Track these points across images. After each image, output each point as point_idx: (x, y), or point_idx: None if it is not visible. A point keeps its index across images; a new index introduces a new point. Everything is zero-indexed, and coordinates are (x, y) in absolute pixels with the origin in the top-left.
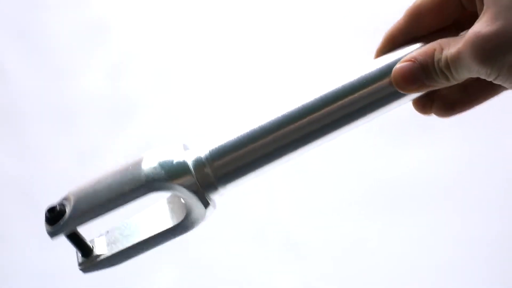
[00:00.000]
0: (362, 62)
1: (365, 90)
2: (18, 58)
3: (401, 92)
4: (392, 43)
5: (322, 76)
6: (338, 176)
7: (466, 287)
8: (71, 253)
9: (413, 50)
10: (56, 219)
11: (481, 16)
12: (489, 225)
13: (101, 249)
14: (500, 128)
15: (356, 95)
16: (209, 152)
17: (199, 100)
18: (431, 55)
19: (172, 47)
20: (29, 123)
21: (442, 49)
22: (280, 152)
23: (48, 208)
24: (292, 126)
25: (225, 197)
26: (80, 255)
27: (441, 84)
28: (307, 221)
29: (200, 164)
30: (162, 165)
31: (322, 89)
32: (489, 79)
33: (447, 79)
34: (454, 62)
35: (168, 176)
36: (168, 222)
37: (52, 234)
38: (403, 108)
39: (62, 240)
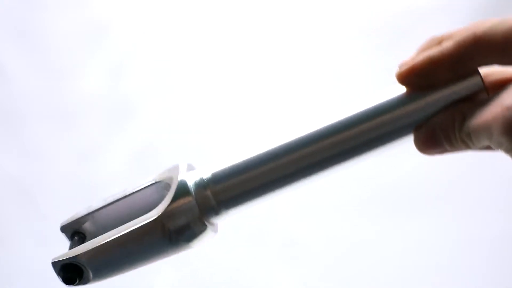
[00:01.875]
0: (375, 98)
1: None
2: (18, 58)
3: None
4: (428, 72)
5: (323, 81)
6: (338, 176)
7: None
8: None
9: (437, 109)
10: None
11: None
12: (489, 228)
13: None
14: None
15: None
16: (212, 174)
17: (199, 100)
18: (452, 125)
19: (172, 47)
20: (29, 123)
21: (464, 118)
22: (287, 180)
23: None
24: (300, 153)
25: (227, 221)
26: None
27: (461, 150)
28: (307, 221)
29: (201, 186)
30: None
31: (335, 116)
32: (504, 152)
33: (468, 146)
34: (477, 134)
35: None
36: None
37: (64, 227)
38: None
39: (62, 239)
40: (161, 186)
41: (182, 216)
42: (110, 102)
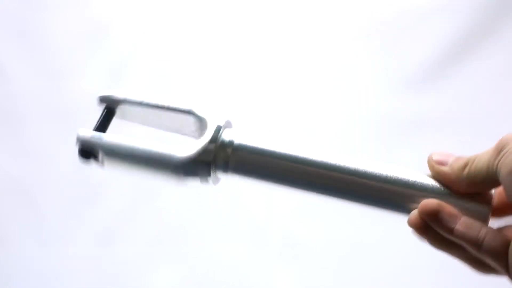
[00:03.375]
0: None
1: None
2: (18, 58)
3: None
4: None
5: (320, 78)
6: None
7: None
8: (71, 253)
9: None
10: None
11: None
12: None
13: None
14: (500, 129)
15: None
16: (239, 144)
17: (199, 100)
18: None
19: (172, 47)
20: (29, 123)
21: (480, 246)
22: (291, 183)
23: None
24: (315, 171)
25: (225, 182)
26: (95, 127)
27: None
28: (307, 221)
29: (226, 145)
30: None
31: (366, 163)
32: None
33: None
34: (489, 257)
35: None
36: (174, 153)
37: (103, 97)
38: (402, 109)
39: (62, 239)
40: (193, 119)
41: (202, 157)
42: None
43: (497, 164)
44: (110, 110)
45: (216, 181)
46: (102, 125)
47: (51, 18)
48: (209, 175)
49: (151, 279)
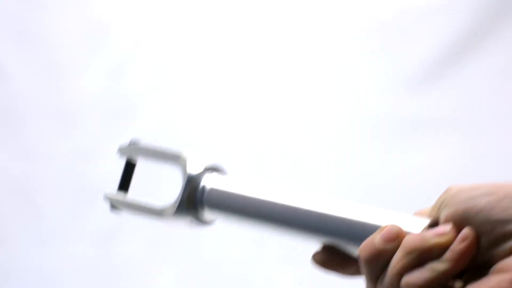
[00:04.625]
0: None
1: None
2: (18, 58)
3: None
4: None
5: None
6: (336, 177)
7: None
8: (71, 253)
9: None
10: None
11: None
12: None
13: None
14: (500, 130)
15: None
16: (211, 189)
17: (200, 101)
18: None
19: (173, 47)
20: (29, 123)
21: None
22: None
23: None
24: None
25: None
26: (118, 186)
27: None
28: None
29: (203, 188)
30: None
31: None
32: None
33: None
34: None
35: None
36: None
37: (122, 149)
38: (402, 109)
39: (61, 239)
40: (179, 161)
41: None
42: (110, 102)
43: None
44: (130, 164)
45: (203, 221)
46: (123, 182)
47: (51, 18)
48: (188, 216)
49: (151, 279)
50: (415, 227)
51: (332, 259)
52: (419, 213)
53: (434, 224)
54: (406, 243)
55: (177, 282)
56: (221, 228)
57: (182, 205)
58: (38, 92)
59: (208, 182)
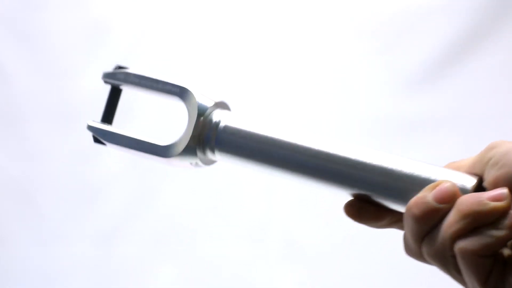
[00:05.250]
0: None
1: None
2: (18, 58)
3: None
4: None
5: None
6: None
7: None
8: (71, 253)
9: None
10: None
11: None
12: None
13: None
14: (500, 129)
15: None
16: (225, 126)
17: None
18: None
19: (173, 47)
20: (29, 123)
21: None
22: (279, 168)
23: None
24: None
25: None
26: (101, 116)
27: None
28: (307, 221)
29: (214, 126)
30: (197, 96)
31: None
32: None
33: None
34: None
35: (198, 106)
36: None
37: (108, 74)
38: (402, 109)
39: (61, 240)
40: (186, 94)
41: (185, 142)
42: None
43: (485, 164)
44: (116, 90)
45: (207, 161)
46: (107, 112)
47: (51, 18)
48: (196, 155)
49: (151, 279)
50: (464, 185)
51: (365, 210)
52: (455, 165)
53: (480, 182)
54: (461, 206)
55: (177, 282)
56: (221, 228)
57: (190, 143)
58: (38, 92)
59: (221, 118)
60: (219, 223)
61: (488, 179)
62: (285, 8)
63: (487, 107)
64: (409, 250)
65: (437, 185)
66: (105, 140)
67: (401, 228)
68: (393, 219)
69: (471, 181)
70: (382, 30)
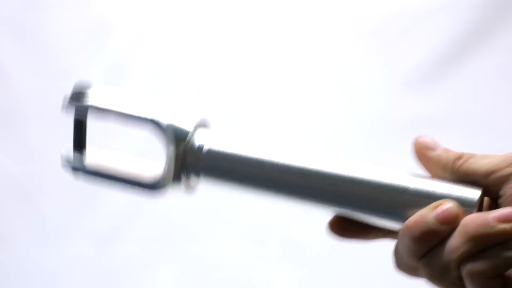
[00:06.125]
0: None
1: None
2: (18, 58)
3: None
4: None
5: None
6: None
7: None
8: (71, 253)
9: None
10: (78, 97)
11: None
12: None
13: (91, 156)
14: (500, 129)
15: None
16: (209, 150)
17: (200, 101)
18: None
19: (173, 47)
20: (30, 123)
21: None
22: (272, 190)
23: (76, 86)
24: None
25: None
26: (72, 147)
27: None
28: (307, 221)
29: (196, 151)
30: (173, 124)
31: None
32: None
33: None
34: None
35: (172, 133)
36: (145, 173)
37: (67, 105)
38: (402, 109)
39: (62, 240)
40: (159, 127)
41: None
42: None
43: (505, 176)
44: (79, 122)
45: (190, 188)
46: (78, 142)
47: (51, 18)
48: (180, 182)
49: (151, 278)
50: (467, 201)
51: (350, 226)
52: (482, 158)
53: (483, 194)
54: (467, 228)
55: (177, 282)
56: (221, 228)
57: (173, 175)
58: (38, 92)
59: (204, 140)
60: (219, 223)
61: (507, 193)
62: (285, 8)
63: (487, 107)
64: (402, 266)
65: (439, 205)
66: (82, 172)
67: (389, 238)
68: (380, 233)
69: (474, 195)
70: (382, 29)
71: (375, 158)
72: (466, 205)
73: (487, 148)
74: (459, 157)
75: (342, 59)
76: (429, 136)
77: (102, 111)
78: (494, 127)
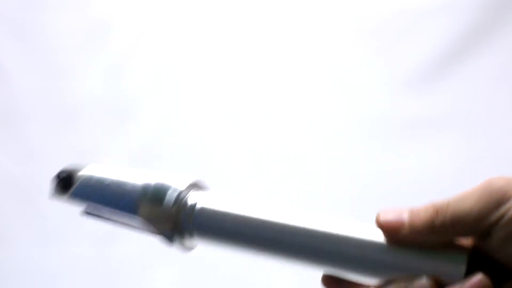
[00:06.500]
0: None
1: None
2: (18, 58)
3: None
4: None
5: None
6: (335, 177)
7: None
8: (71, 253)
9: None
10: (66, 186)
11: None
12: None
13: None
14: (500, 130)
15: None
16: (201, 208)
17: (200, 101)
18: None
19: (173, 47)
20: (29, 123)
21: None
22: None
23: (62, 172)
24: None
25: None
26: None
27: None
28: None
29: (190, 209)
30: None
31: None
32: None
33: None
34: None
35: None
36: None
37: (56, 194)
38: (402, 109)
39: (62, 240)
40: (150, 188)
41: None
42: (110, 102)
43: (495, 220)
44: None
45: (184, 248)
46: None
47: (51, 18)
48: (172, 242)
49: (151, 278)
50: (452, 275)
51: (343, 280)
52: (460, 203)
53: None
54: None
55: (177, 282)
56: None
57: (166, 234)
58: (38, 92)
59: (196, 200)
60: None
61: (498, 236)
62: (285, 8)
63: (487, 107)
64: None
65: (417, 280)
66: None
67: None
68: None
69: (459, 271)
70: (382, 29)
71: (375, 158)
72: (451, 277)
73: (487, 148)
74: (435, 213)
75: (342, 59)
76: (387, 209)
77: (96, 209)
78: (494, 127)
